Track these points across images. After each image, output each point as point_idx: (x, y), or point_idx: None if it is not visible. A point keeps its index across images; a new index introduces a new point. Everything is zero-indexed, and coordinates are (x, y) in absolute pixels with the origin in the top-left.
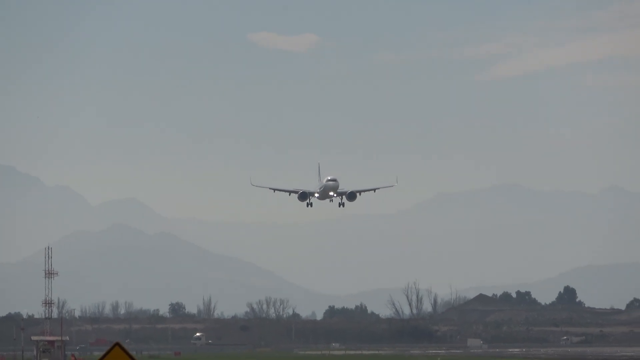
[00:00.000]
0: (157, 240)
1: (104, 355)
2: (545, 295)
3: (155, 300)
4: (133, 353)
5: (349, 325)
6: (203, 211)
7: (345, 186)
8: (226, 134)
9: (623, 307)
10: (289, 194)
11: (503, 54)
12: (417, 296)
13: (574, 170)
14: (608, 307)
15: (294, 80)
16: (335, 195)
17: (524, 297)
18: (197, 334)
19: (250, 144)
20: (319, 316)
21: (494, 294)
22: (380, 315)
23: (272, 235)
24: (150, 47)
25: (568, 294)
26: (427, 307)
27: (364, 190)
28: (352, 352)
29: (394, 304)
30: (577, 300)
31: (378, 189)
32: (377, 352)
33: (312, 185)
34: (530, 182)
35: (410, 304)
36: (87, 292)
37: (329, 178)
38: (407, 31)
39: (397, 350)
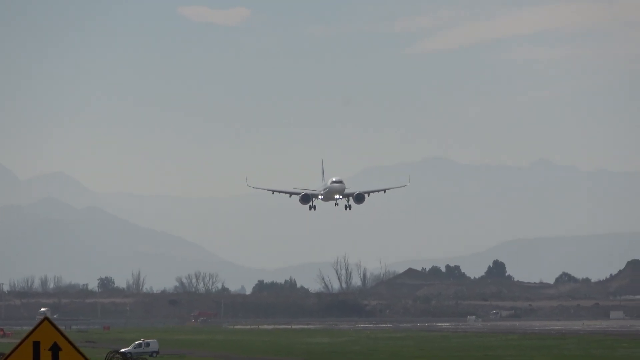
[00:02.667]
0: (86, 214)
1: (32, 331)
2: (475, 270)
3: (84, 274)
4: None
5: (278, 300)
6: (131, 185)
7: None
8: (154, 107)
9: (552, 281)
10: (290, 196)
11: (433, 28)
12: (347, 270)
13: (502, 144)
14: (537, 281)
15: (225, 53)
16: (341, 197)
17: (453, 272)
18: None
19: (179, 116)
20: (248, 290)
21: (423, 268)
22: (309, 290)
23: (201, 209)
24: (82, 20)
25: (497, 268)
26: (356, 281)
27: (373, 191)
28: (281, 327)
29: (323, 279)
30: (506, 274)
31: (388, 189)
32: (306, 326)
33: (314, 184)
34: (459, 155)
35: (339, 279)
36: (16, 266)
37: (334, 180)
38: (338, 4)
39: (326, 324)
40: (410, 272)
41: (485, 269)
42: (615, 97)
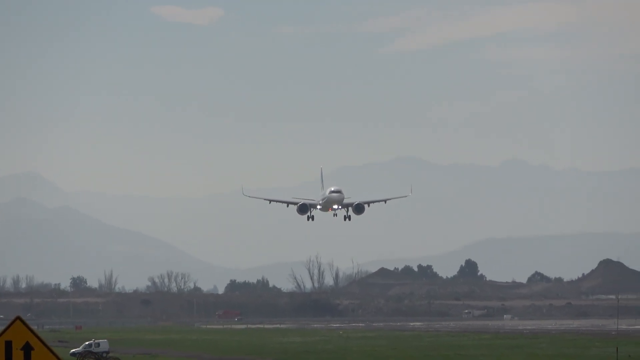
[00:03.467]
0: (58, 214)
1: (5, 330)
2: (447, 269)
3: (56, 274)
4: (34, 327)
5: (250, 299)
6: (104, 185)
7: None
8: (127, 106)
9: (524, 281)
10: (287, 206)
11: (406, 28)
12: (319, 270)
13: (474, 143)
14: (509, 281)
15: (197, 53)
16: (340, 207)
17: (426, 271)
18: None
19: (153, 116)
20: (221, 290)
21: (395, 268)
22: (282, 289)
23: (173, 208)
24: (54, 17)
25: (469, 268)
26: (328, 280)
27: (374, 202)
28: (253, 326)
29: (295, 278)
30: (479, 273)
31: (389, 199)
32: (278, 325)
33: (313, 194)
34: (431, 155)
35: (312, 278)
36: None
37: (333, 189)
38: (310, 5)
39: (299, 324)
40: (382, 271)
41: (458, 269)
42: (587, 97)
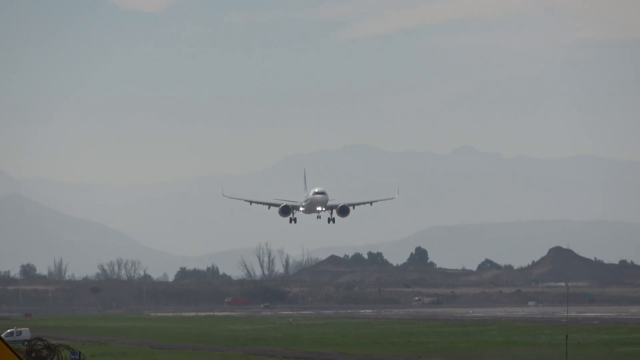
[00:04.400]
0: (7, 201)
1: None
2: (397, 257)
3: (5, 262)
4: None
5: (200, 287)
6: (53, 172)
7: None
8: (78, 93)
9: (474, 268)
10: (269, 207)
11: (358, 15)
12: (269, 257)
13: (425, 131)
14: (459, 268)
15: (148, 40)
16: (324, 210)
17: (376, 258)
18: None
19: (102, 103)
20: (171, 277)
21: (345, 255)
22: (232, 277)
23: (123, 196)
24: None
25: (419, 255)
26: (278, 268)
27: (359, 204)
28: (203, 314)
29: (245, 265)
30: (429, 261)
31: (375, 201)
32: (229, 313)
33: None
34: (382, 143)
35: (262, 265)
36: None
37: (316, 190)
38: None
39: (249, 311)
40: (332, 259)
41: (408, 256)
42: (538, 85)
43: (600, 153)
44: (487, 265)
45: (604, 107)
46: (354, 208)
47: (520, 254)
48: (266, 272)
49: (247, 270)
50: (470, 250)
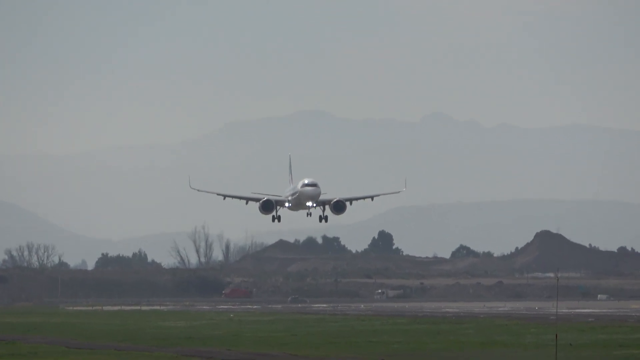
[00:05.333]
0: None
1: None
2: (357, 242)
3: None
4: None
5: (125, 276)
6: None
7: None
8: None
9: (448, 256)
10: (246, 202)
11: None
12: (206, 242)
13: (389, 96)
14: (430, 256)
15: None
16: (314, 205)
17: (332, 244)
18: None
19: (12, 64)
20: (91, 265)
21: (296, 240)
22: (162, 265)
23: (32, 169)
24: None
25: (383, 240)
26: (217, 255)
27: (357, 198)
28: (128, 308)
29: (178, 251)
30: (394, 247)
31: (377, 195)
32: (158, 307)
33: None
34: (339, 109)
35: (197, 252)
36: None
37: (307, 182)
38: None
39: (182, 305)
40: (280, 244)
41: (369, 241)
42: (522, 40)
43: (596, 121)
44: (463, 252)
45: (601, 67)
46: (351, 204)
47: (502, 240)
48: (203, 260)
49: (181, 257)
50: (442, 235)
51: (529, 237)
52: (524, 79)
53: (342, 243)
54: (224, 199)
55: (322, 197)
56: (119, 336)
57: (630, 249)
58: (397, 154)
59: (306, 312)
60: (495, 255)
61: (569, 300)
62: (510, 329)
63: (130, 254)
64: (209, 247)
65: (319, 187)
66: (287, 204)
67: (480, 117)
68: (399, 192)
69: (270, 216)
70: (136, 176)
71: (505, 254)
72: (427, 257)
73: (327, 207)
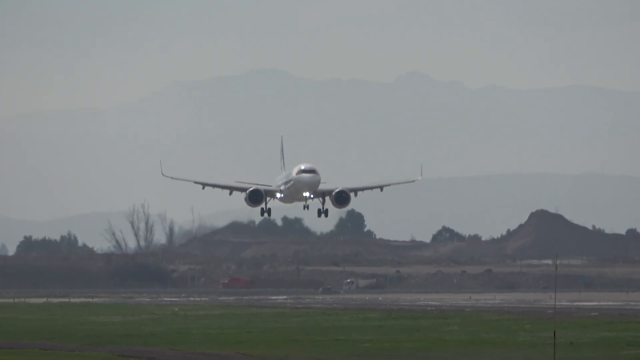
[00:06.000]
0: None
1: None
2: (322, 223)
3: None
4: None
5: (52, 263)
6: None
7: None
8: None
9: (428, 240)
10: (230, 193)
11: None
12: (147, 223)
13: (359, 55)
14: (407, 240)
15: None
16: (312, 197)
17: (293, 225)
18: None
19: None
20: (11, 250)
21: (251, 221)
22: (95, 249)
23: None
24: None
25: (353, 221)
26: (160, 238)
27: (364, 189)
28: (56, 300)
29: (114, 234)
30: (365, 229)
31: (387, 185)
32: (90, 299)
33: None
34: (299, 67)
35: (136, 235)
36: None
37: (304, 168)
38: None
39: (118, 297)
40: (234, 226)
41: (336, 222)
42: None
43: (597, 82)
44: (446, 235)
45: (607, 20)
46: (356, 195)
47: (491, 221)
48: (142, 244)
49: (117, 241)
50: (422, 216)
51: (523, 218)
52: (516, 33)
53: (305, 225)
54: (203, 188)
55: (322, 187)
56: (45, 333)
57: None
58: (369, 120)
59: (264, 304)
60: (483, 239)
61: (569, 292)
62: (501, 325)
63: (57, 237)
64: (149, 229)
65: (318, 174)
66: (278, 195)
67: (465, 77)
68: (413, 181)
69: (259, 208)
70: (64, 146)
71: (495, 237)
72: (403, 241)
73: (327, 198)
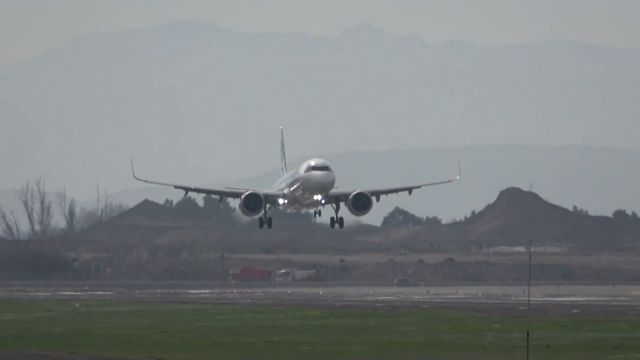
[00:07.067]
0: None
1: None
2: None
3: None
4: None
5: None
6: None
7: None
8: None
9: (378, 224)
10: (220, 199)
11: None
12: (43, 204)
13: (300, 8)
14: (354, 223)
15: None
16: (324, 201)
17: (217, 207)
18: None
19: None
20: None
21: (167, 201)
22: None
23: None
24: None
25: None
26: (59, 221)
27: (389, 191)
28: None
29: (3, 217)
30: (303, 211)
31: (417, 187)
32: None
33: (269, 180)
34: (226, 20)
35: (30, 217)
36: None
37: (314, 164)
38: None
39: (8, 290)
40: (146, 206)
41: None
42: None
43: (582, 36)
44: (399, 218)
45: None
46: (378, 199)
47: (453, 201)
48: (38, 228)
49: (7, 225)
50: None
51: (491, 198)
52: None
53: (232, 205)
54: (186, 194)
55: (335, 191)
56: None
57: (631, 214)
58: (308, 79)
59: (182, 300)
60: (443, 222)
61: (545, 285)
62: (465, 324)
63: None
64: (46, 210)
65: (332, 172)
66: (281, 201)
67: (424, 31)
68: (449, 181)
69: (257, 216)
70: None
71: (458, 220)
72: (349, 225)
73: (341, 204)
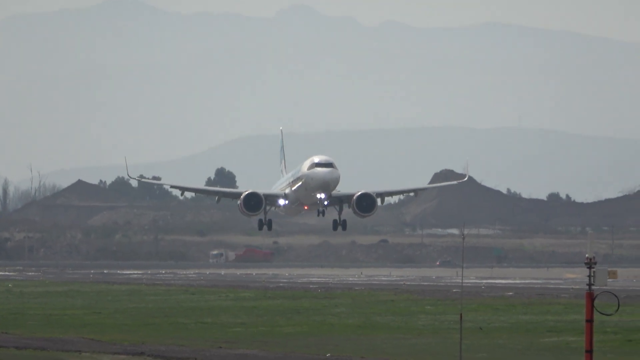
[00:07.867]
0: None
1: None
2: (186, 184)
3: None
4: None
5: None
6: None
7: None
8: None
9: None
10: (217, 200)
11: None
12: None
13: None
14: None
15: None
16: (327, 200)
17: (151, 187)
18: None
19: None
20: None
21: (101, 181)
22: None
23: None
24: None
25: (222, 181)
26: None
27: (396, 192)
28: None
29: None
30: (237, 185)
31: (424, 189)
32: None
33: (270, 180)
34: (163, 0)
35: None
36: None
37: (317, 161)
38: None
39: None
40: (80, 186)
41: (204, 183)
42: None
43: (515, 18)
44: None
45: None
46: (382, 201)
47: (387, 182)
48: None
49: None
50: None
51: (425, 179)
52: None
53: (166, 187)
54: (182, 194)
55: (339, 192)
56: None
57: (564, 197)
58: (242, 60)
59: (115, 281)
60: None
61: (479, 267)
62: (398, 306)
63: None
64: None
65: (336, 169)
66: (282, 202)
67: (358, 12)
68: (456, 182)
69: (256, 217)
70: None
71: (392, 202)
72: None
73: (344, 206)
